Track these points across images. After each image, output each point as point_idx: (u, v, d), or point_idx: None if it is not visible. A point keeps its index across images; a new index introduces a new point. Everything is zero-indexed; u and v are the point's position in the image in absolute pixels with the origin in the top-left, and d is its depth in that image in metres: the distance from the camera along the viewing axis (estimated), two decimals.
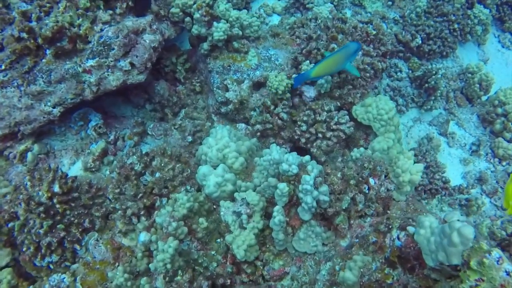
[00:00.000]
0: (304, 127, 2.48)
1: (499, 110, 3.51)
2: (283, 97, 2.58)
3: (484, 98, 3.81)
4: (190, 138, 2.66)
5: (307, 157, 1.90)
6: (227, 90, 2.71)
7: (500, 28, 4.51)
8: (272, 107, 2.52)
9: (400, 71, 3.75)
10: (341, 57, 2.12)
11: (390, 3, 4.00)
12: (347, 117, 2.55)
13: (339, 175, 1.91)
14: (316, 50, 2.67)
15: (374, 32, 2.84)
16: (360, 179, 1.87)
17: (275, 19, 3.90)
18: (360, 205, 1.86)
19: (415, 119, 3.61)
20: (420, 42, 3.72)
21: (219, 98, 2.73)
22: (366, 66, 2.72)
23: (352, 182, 1.86)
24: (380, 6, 4.07)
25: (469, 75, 3.84)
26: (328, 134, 2.47)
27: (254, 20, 2.89)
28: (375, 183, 1.90)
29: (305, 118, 2.48)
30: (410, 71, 3.77)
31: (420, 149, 3.12)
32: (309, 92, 2.69)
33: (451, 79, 3.92)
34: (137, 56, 2.23)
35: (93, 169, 2.45)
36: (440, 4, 3.81)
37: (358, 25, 2.82)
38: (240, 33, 2.82)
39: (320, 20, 3.02)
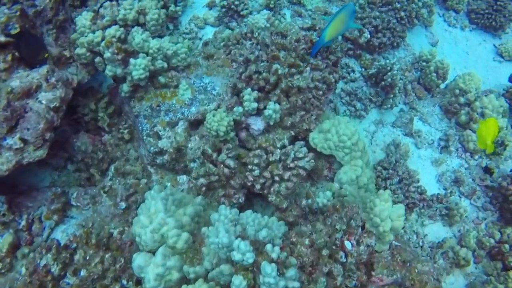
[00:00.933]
0: (256, 172, 2.08)
1: (462, 100, 3.27)
2: (226, 138, 2.16)
3: (442, 86, 3.57)
4: (123, 205, 2.20)
5: (264, 232, 1.50)
6: (159, 137, 2.26)
7: (443, 6, 4.35)
8: (215, 154, 2.09)
9: (353, 71, 3.43)
10: (345, 16, 2.11)
11: None
12: (305, 148, 2.16)
13: (307, 242, 1.53)
14: (257, 75, 2.26)
15: None
16: (334, 247, 1.50)
17: (208, 32, 3.46)
18: (339, 278, 1.49)
19: (376, 122, 3.30)
20: (369, 36, 3.42)
21: (151, 148, 2.27)
22: (317, 83, 2.34)
23: (324, 252, 1.49)
24: (320, 2, 3.73)
25: (424, 63, 3.59)
26: (286, 175, 2.08)
27: (179, 47, 2.43)
28: (352, 245, 1.54)
29: (256, 161, 2.07)
30: (363, 69, 3.47)
31: (389, 160, 2.81)
32: (257, 124, 2.29)
33: (406, 69, 3.66)
34: (28, 129, 1.72)
35: (3, 271, 1.93)
36: None
37: (301, 36, 2.43)
38: (165, 65, 2.37)
39: (257, 34, 2.61)
